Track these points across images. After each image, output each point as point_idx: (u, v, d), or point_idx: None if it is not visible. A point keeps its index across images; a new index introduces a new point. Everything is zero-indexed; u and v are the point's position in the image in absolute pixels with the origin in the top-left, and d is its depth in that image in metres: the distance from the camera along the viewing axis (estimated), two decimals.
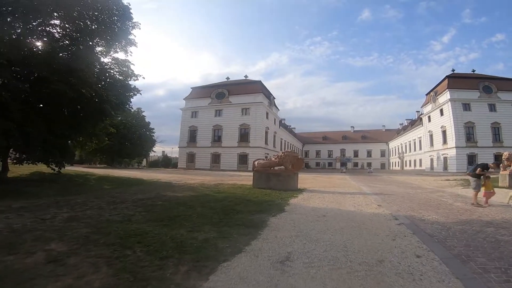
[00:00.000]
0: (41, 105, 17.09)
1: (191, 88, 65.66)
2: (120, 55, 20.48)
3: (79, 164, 57.18)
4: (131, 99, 21.77)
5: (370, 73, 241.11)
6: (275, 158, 16.42)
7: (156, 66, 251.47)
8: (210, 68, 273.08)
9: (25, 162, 18.79)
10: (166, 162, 78.89)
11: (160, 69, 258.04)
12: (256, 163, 16.86)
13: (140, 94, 21.81)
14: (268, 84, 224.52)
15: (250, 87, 59.23)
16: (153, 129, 60.89)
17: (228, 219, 7.45)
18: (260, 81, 62.30)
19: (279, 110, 72.94)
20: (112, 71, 20.15)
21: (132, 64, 20.57)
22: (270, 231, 6.27)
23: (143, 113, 58.30)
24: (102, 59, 19.86)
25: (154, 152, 78.99)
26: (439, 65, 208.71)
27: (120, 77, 20.44)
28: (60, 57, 16.41)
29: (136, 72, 20.93)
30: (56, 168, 18.74)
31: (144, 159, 79.94)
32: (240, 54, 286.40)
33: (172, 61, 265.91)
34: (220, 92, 60.08)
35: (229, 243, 5.27)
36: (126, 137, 50.85)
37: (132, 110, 54.19)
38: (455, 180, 24.86)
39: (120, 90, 20.06)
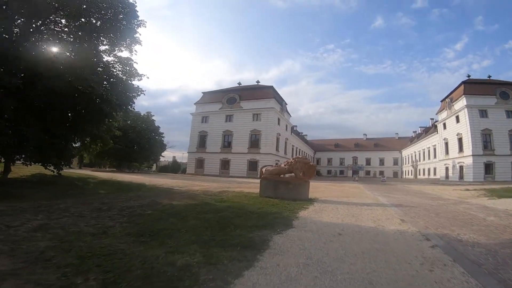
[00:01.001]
0: (36, 103, 16.26)
1: (202, 93, 64.91)
2: (125, 54, 19.86)
3: (89, 167, 57.70)
4: (134, 100, 20.96)
5: (382, 80, 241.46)
6: (284, 165, 15.11)
7: (169, 72, 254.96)
8: (223, 74, 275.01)
9: (20, 162, 18.76)
10: (175, 167, 78.38)
11: (174, 75, 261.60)
12: (263, 169, 15.53)
13: (144, 94, 21.03)
14: (281, 91, 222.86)
15: (262, 92, 58.30)
16: (163, 133, 60.09)
17: (223, 236, 6.19)
18: (272, 86, 61.13)
19: (291, 116, 71.88)
20: (114, 70, 19.37)
21: (135, 62, 19.83)
22: (272, 256, 4.93)
23: (153, 117, 57.24)
24: (105, 58, 19.20)
25: (163, 157, 78.72)
26: (451, 73, 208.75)
27: (123, 76, 19.72)
28: (59, 54, 15.71)
29: (140, 72, 20.20)
30: (55, 170, 18.04)
31: (154, 164, 79.45)
32: (253, 61, 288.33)
33: (185, 67, 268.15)
34: (232, 97, 59.20)
35: (214, 274, 3.95)
36: (135, 141, 49.97)
37: (142, 114, 54.38)
38: (475, 190, 23.46)
39: (122, 90, 19.25)
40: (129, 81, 19.98)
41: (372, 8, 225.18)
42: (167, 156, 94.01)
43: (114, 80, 18.82)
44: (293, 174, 14.63)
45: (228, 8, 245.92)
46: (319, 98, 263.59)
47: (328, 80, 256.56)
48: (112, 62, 19.34)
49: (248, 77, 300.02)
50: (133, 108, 21.97)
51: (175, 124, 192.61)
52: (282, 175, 14.97)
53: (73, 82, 14.67)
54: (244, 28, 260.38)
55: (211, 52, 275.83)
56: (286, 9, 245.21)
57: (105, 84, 17.60)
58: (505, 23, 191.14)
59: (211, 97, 62.13)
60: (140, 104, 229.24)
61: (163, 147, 72.50)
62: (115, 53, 19.42)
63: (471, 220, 9.41)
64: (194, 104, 63.05)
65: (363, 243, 6.00)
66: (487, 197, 17.45)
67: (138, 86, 20.46)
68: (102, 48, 18.96)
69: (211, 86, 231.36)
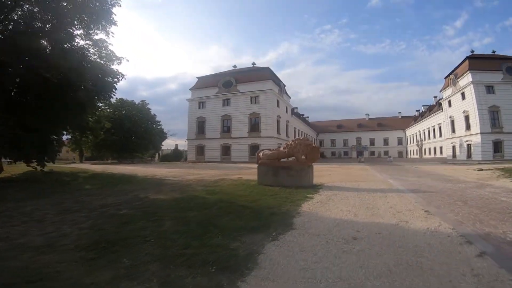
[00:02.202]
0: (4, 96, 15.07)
1: (197, 78, 63.31)
2: (102, 37, 18.71)
3: (91, 160, 56.91)
4: (115, 85, 19.84)
5: (382, 60, 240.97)
6: (284, 148, 13.43)
7: (166, 60, 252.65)
8: (221, 60, 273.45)
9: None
10: (176, 156, 77.04)
11: (171, 63, 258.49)
12: (261, 154, 13.92)
13: (124, 79, 20.12)
14: (280, 74, 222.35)
15: (258, 74, 56.65)
16: (159, 121, 58.02)
17: (198, 247, 4.70)
18: (268, 68, 59.49)
19: (290, 98, 70.46)
20: (89, 54, 18.13)
21: (110, 44, 18.66)
22: (259, 284, 3.38)
23: (148, 105, 55.41)
24: (80, 42, 17.99)
25: (163, 146, 77.82)
26: (452, 51, 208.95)
27: (100, 61, 18.58)
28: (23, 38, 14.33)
29: (119, 55, 19.18)
30: (37, 167, 17.06)
31: (157, 154, 78.51)
32: (250, 45, 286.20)
33: (183, 54, 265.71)
34: (227, 81, 57.56)
35: None
36: (131, 131, 48.39)
37: (137, 103, 52.69)
38: (489, 169, 22.06)
39: (99, 75, 18.07)
40: (107, 66, 18.99)
41: None
42: (170, 145, 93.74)
43: (89, 65, 17.51)
44: (294, 158, 13.13)
45: None
46: (319, 80, 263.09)
47: (326, 61, 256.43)
48: (86, 45, 18.17)
49: (245, 62, 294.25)
50: (114, 95, 20.52)
51: (176, 112, 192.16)
52: (281, 160, 13.49)
53: (37, 69, 13.48)
54: (239, 12, 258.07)
55: (207, 38, 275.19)
56: None
57: (77, 69, 16.10)
58: (505, 0, 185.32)
59: (206, 81, 60.43)
60: (139, 94, 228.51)
61: (163, 136, 71.46)
62: (92, 37, 18.32)
63: (509, 209, 7.80)
64: (190, 89, 61.60)
65: (388, 254, 4.37)
66: (508, 178, 15.86)
67: (117, 70, 19.53)
68: (77, 32, 17.77)
69: (209, 72, 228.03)
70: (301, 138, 13.64)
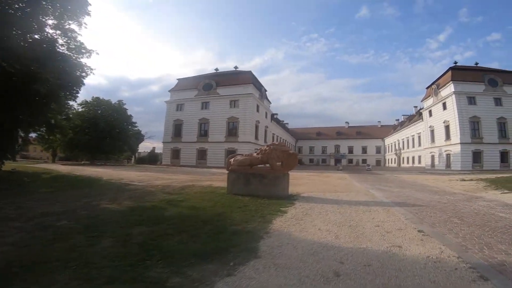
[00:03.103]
0: None
1: (177, 79, 61.48)
2: (73, 28, 17.49)
3: (64, 160, 55.67)
4: (83, 80, 18.79)
5: (365, 70, 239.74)
6: (257, 154, 12.13)
7: (151, 61, 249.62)
8: (206, 63, 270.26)
9: None
10: (152, 159, 75.00)
11: (156, 65, 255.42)
12: (232, 160, 12.52)
13: (93, 73, 19.05)
14: (263, 80, 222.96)
15: (240, 78, 55.13)
16: (136, 122, 56.00)
17: (127, 281, 3.57)
18: (250, 72, 58.07)
19: (271, 103, 69.19)
20: (57, 45, 16.95)
21: (79, 34, 17.55)
22: None
23: (125, 105, 53.15)
24: (49, 31, 16.70)
25: (139, 148, 76.11)
26: (434, 63, 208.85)
27: (69, 53, 17.42)
28: None
29: (89, 47, 18.10)
30: None
31: (133, 156, 76.98)
32: (237, 50, 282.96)
33: (168, 56, 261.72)
34: (208, 83, 55.94)
35: None
36: (106, 131, 46.18)
37: (113, 103, 50.73)
38: (472, 180, 21.78)
39: (66, 68, 16.86)
40: (75, 58, 17.86)
41: None
42: (148, 147, 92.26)
43: (55, 57, 16.39)
44: (269, 165, 11.81)
45: None
46: (302, 87, 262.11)
47: (311, 69, 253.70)
48: (55, 36, 16.98)
49: (230, 66, 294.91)
50: (78, 88, 19.23)
51: (157, 114, 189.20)
52: (254, 167, 12.16)
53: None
54: (226, 16, 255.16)
55: (194, 41, 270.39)
56: None
57: (40, 60, 14.75)
58: (489, 16, 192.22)
59: (186, 83, 58.62)
60: (121, 95, 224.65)
61: (140, 138, 69.52)
62: (61, 26, 17.09)
63: None
64: (169, 91, 59.73)
65: None
66: (496, 190, 15.13)
67: (85, 63, 18.42)
68: (49, 22, 16.58)
69: (193, 75, 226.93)
70: (277, 143, 12.26)
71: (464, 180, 21.82)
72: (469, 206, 9.95)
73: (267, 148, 11.76)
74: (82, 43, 17.60)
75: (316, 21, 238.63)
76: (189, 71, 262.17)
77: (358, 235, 6.00)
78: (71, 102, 23.23)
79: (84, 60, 18.16)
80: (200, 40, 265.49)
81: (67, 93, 18.78)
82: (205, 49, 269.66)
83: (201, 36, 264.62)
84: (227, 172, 12.35)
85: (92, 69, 18.55)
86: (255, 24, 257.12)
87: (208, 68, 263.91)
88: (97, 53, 18.47)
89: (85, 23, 17.44)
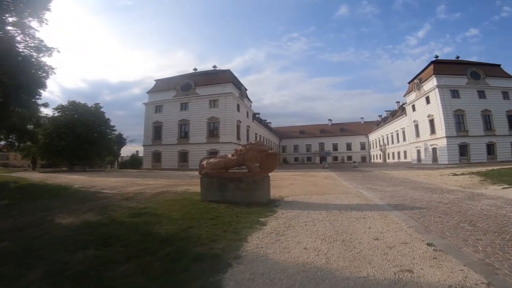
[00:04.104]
0: None
1: (155, 80, 59.80)
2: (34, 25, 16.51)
3: (46, 167, 54.29)
4: (45, 81, 17.59)
5: (346, 68, 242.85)
6: (232, 155, 10.72)
7: (132, 64, 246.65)
8: (186, 65, 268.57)
9: None
10: (134, 163, 73.05)
11: (137, 67, 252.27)
12: (204, 163, 11.08)
13: (54, 73, 17.80)
14: (245, 80, 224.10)
15: (219, 77, 53.79)
16: (114, 126, 53.83)
17: None
18: (229, 70, 56.84)
19: (251, 102, 67.93)
20: (15, 44, 15.78)
21: (37, 30, 16.51)
22: None
23: (102, 109, 51.09)
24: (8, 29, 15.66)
25: (121, 153, 74.39)
26: (414, 59, 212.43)
27: (30, 52, 16.44)
28: None
29: (49, 45, 17.06)
30: None
31: (116, 161, 75.67)
32: (218, 51, 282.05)
33: (148, 59, 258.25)
34: (186, 83, 54.31)
35: None
36: (83, 136, 44.06)
37: (90, 106, 48.81)
38: (463, 174, 21.10)
39: (24, 68, 15.46)
40: (37, 57, 16.85)
41: None
42: (131, 151, 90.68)
43: (15, 56, 15.23)
44: (246, 167, 10.45)
45: None
46: (284, 87, 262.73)
47: (292, 69, 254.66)
48: (14, 33, 15.89)
49: (210, 67, 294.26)
50: (41, 90, 17.95)
51: (139, 117, 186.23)
52: (230, 170, 10.80)
53: None
54: (206, 18, 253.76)
55: (174, 43, 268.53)
56: None
57: None
58: (467, 12, 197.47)
59: (164, 84, 56.92)
60: (102, 99, 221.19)
61: (122, 142, 67.80)
62: (21, 23, 15.94)
63: None
64: (147, 93, 57.93)
65: None
66: (495, 185, 14.12)
67: (45, 62, 17.39)
68: (10, 20, 15.42)
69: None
70: (254, 142, 10.77)
71: (456, 175, 20.96)
72: (474, 206, 8.70)
73: (242, 149, 10.37)
74: (42, 41, 16.54)
75: (296, 21, 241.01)
76: (170, 73, 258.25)
77: (355, 256, 4.67)
78: (42, 108, 21.97)
79: (45, 59, 17.11)
80: (180, 42, 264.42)
81: (28, 94, 17.39)
82: (185, 50, 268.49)
83: (181, 37, 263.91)
84: (200, 176, 10.98)
85: (53, 68, 17.38)
86: (234, 25, 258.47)
87: (188, 69, 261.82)
88: (58, 51, 17.10)
89: (46, 19, 16.39)
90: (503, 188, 12.62)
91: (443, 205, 9.05)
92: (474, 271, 3.91)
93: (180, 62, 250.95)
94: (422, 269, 4.06)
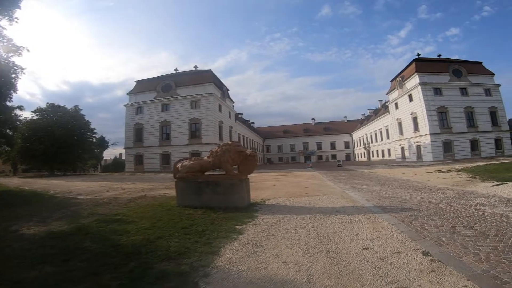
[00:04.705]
0: None
1: (135, 81, 58.48)
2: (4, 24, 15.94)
3: (27, 172, 52.39)
4: (14, 82, 16.71)
5: (329, 67, 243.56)
6: (208, 157, 9.99)
7: (113, 65, 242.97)
8: (169, 66, 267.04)
9: None
10: (117, 166, 71.76)
11: (120, 68, 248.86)
12: (179, 165, 10.28)
13: (24, 73, 17.32)
14: (228, 81, 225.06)
15: (200, 77, 52.93)
16: (94, 129, 51.73)
17: None
18: (210, 70, 56.04)
19: (234, 102, 67.34)
20: None
21: (4, 29, 15.93)
22: None
23: (81, 111, 49.25)
24: None
25: (104, 156, 73.15)
26: (396, 58, 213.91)
27: None
28: None
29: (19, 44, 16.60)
30: None
31: (99, 164, 74.37)
32: (199, 52, 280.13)
33: (131, 60, 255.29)
34: (167, 84, 53.36)
35: None
36: (62, 139, 42.68)
37: (69, 108, 47.43)
38: (449, 170, 20.89)
39: None
40: (7, 58, 16.32)
41: None
42: (114, 154, 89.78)
43: None
44: (223, 169, 9.70)
45: None
46: (267, 87, 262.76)
47: (275, 69, 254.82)
48: None
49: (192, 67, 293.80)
50: (13, 93, 17.18)
51: (122, 120, 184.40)
52: (206, 173, 10.06)
53: None
54: (190, 18, 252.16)
55: (157, 44, 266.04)
56: None
57: None
58: (448, 12, 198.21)
59: (145, 85, 55.79)
60: (85, 101, 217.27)
61: (105, 144, 66.59)
62: None
63: None
64: (128, 94, 56.68)
65: None
66: (484, 182, 13.69)
67: (14, 62, 16.65)
68: None
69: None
70: (231, 142, 9.94)
71: (442, 172, 20.62)
72: (468, 206, 8.14)
73: (218, 150, 9.64)
74: (11, 39, 15.96)
75: (279, 21, 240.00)
76: (153, 74, 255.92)
77: (342, 271, 4.02)
78: (19, 111, 21.12)
79: (14, 59, 16.42)
80: (162, 43, 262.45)
81: None
82: (168, 51, 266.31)
83: (163, 39, 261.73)
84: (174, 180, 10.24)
85: (22, 68, 16.82)
86: (217, 26, 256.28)
87: (171, 70, 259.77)
88: (28, 50, 16.39)
89: (16, 18, 15.64)
90: (493, 186, 12.18)
91: (435, 205, 8.49)
92: (480, 286, 3.32)
93: (163, 63, 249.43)
94: (420, 286, 3.45)
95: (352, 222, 6.85)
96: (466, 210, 7.67)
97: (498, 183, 12.53)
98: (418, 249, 4.76)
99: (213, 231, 6.30)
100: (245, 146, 73.62)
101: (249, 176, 10.01)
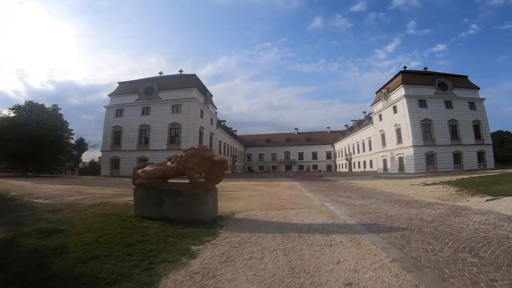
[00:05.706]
0: None
1: (118, 83, 56.84)
2: None
3: (2, 172, 47.94)
4: None
5: (316, 78, 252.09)
6: (172, 162, 8.72)
7: (101, 65, 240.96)
8: (157, 70, 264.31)
9: None
10: (93, 169, 69.77)
11: (105, 71, 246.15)
12: (139, 171, 8.96)
13: None
14: (216, 88, 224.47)
15: (183, 82, 51.90)
16: (72, 130, 49.90)
17: None
18: (194, 75, 55.09)
19: (216, 109, 66.29)
20: None
21: None
22: None
23: (60, 111, 47.30)
24: None
25: (82, 159, 71.10)
26: (382, 72, 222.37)
27: None
28: None
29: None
30: None
31: (77, 167, 72.55)
32: (190, 57, 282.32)
33: (120, 63, 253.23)
34: (149, 87, 52.08)
35: None
36: (36, 139, 40.71)
37: (47, 107, 45.55)
38: (434, 183, 20.32)
39: None
40: None
41: (313, 9, 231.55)
42: (93, 156, 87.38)
43: None
44: (187, 176, 8.43)
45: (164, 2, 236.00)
46: (253, 95, 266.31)
47: (262, 78, 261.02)
48: None
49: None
50: None
51: (103, 122, 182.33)
52: (168, 180, 8.80)
53: None
54: (181, 23, 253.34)
55: (146, 48, 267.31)
56: (225, 6, 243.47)
57: None
58: (436, 28, 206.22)
59: (127, 87, 54.24)
60: (70, 102, 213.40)
61: (84, 146, 65.07)
62: None
63: None
64: (109, 95, 54.84)
65: None
66: (475, 196, 12.93)
67: None
68: None
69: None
70: (197, 147, 8.53)
71: (427, 185, 19.91)
72: (466, 225, 7.07)
73: (183, 154, 8.37)
74: None
75: (270, 31, 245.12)
76: (141, 77, 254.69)
77: None
78: None
79: None
80: (152, 47, 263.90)
81: None
82: (157, 55, 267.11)
83: (153, 43, 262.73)
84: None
85: None
86: (209, 32, 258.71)
87: (157, 74, 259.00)
88: None
89: None
90: (487, 200, 11.29)
91: (428, 224, 7.37)
92: None
93: (152, 67, 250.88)
94: None
95: (332, 244, 5.67)
96: (464, 230, 6.60)
97: (491, 198, 11.69)
98: (417, 287, 3.65)
99: (161, 252, 5.09)
100: (226, 153, 72.67)
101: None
